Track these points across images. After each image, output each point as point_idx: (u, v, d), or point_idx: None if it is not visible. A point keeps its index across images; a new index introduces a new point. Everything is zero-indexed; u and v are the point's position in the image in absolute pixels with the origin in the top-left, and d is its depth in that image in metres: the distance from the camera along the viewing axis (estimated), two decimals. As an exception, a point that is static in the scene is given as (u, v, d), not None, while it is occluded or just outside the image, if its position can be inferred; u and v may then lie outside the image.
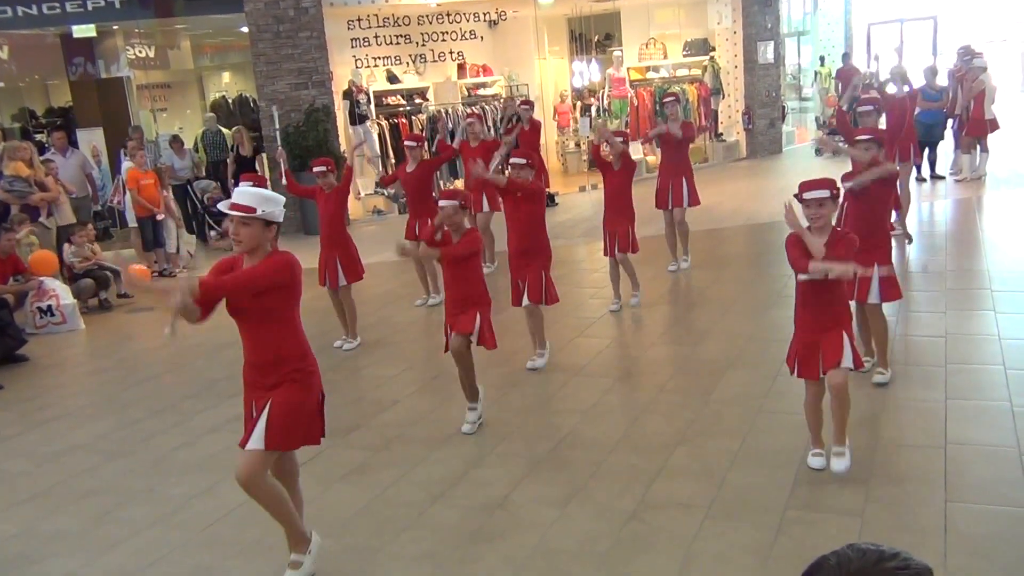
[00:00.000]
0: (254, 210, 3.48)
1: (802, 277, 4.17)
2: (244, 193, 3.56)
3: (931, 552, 3.63)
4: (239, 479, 3.58)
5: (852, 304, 5.69)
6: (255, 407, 3.66)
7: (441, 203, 5.10)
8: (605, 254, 7.63)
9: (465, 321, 5.14)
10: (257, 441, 3.54)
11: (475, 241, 5.14)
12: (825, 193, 4.17)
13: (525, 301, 6.21)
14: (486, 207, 9.00)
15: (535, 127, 10.85)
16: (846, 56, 18.52)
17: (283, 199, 3.65)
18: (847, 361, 4.22)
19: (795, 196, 4.31)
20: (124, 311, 9.62)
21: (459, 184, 13.96)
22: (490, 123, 15.08)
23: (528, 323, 6.39)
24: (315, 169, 7.13)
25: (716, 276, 8.56)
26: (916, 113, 10.89)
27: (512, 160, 6.25)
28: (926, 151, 11.91)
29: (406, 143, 8.56)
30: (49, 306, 8.78)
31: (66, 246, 9.76)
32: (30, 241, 9.33)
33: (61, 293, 8.90)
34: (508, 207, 6.32)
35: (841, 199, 5.47)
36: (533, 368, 6.29)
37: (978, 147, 12.21)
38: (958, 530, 3.78)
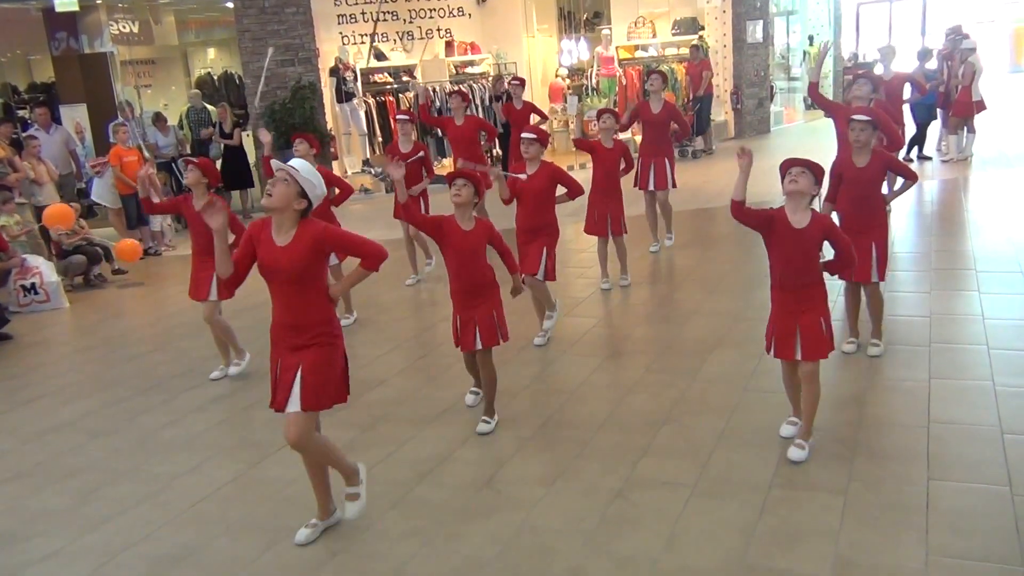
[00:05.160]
0: (297, 172, 3.71)
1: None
2: (296, 164, 3.78)
3: (913, 529, 3.67)
4: (290, 442, 3.80)
5: (841, 284, 5.74)
6: (280, 366, 3.82)
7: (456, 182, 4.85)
8: (588, 232, 7.58)
9: (487, 336, 4.92)
10: (294, 404, 3.74)
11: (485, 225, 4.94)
12: (798, 169, 4.17)
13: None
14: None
15: (528, 109, 10.70)
16: (696, 49, 15.13)
17: (323, 186, 3.88)
18: (823, 352, 4.29)
19: (780, 167, 4.30)
20: (115, 286, 9.57)
21: (447, 163, 13.92)
22: (478, 102, 15.01)
23: (532, 294, 6.34)
24: (295, 145, 7.10)
25: (702, 256, 8.58)
26: (926, 92, 10.79)
27: (523, 135, 6.17)
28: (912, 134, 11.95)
29: (397, 117, 8.45)
30: (33, 284, 8.72)
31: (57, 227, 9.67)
32: (16, 220, 9.23)
33: (45, 271, 8.84)
34: (520, 184, 6.19)
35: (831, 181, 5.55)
36: (546, 330, 6.42)
37: (965, 128, 12.25)
38: (940, 508, 3.82)
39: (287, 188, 3.69)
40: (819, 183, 4.23)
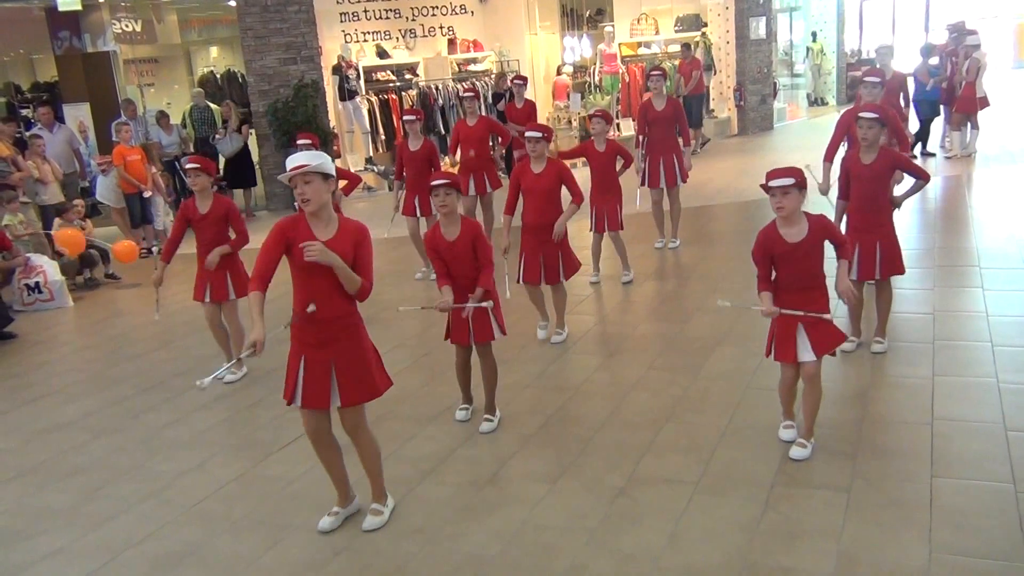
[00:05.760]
0: (308, 164, 3.65)
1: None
2: (293, 159, 3.71)
3: (916, 526, 3.67)
4: (347, 430, 3.96)
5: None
6: (306, 363, 3.81)
7: (434, 182, 4.78)
8: (591, 230, 7.64)
9: (481, 331, 4.89)
10: (335, 401, 3.84)
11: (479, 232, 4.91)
12: (787, 181, 4.08)
13: (543, 283, 6.21)
14: (472, 191, 8.88)
15: (529, 107, 10.62)
16: (687, 48, 15.27)
17: (327, 155, 3.81)
18: (830, 346, 4.27)
19: (761, 185, 4.24)
20: (113, 287, 9.58)
21: (448, 161, 13.90)
22: (480, 99, 15.00)
23: (553, 300, 6.41)
24: (299, 142, 7.13)
25: (705, 253, 8.57)
26: (928, 88, 10.70)
27: (528, 134, 6.13)
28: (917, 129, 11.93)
29: (404, 117, 8.42)
30: (37, 283, 8.73)
31: (56, 222, 9.69)
32: (20, 219, 9.25)
33: (49, 270, 8.85)
34: (527, 182, 6.19)
35: (841, 177, 5.51)
36: (556, 342, 6.38)
37: (968, 124, 12.21)
38: (943, 504, 3.81)
39: (314, 184, 3.67)
40: (803, 188, 4.15)
